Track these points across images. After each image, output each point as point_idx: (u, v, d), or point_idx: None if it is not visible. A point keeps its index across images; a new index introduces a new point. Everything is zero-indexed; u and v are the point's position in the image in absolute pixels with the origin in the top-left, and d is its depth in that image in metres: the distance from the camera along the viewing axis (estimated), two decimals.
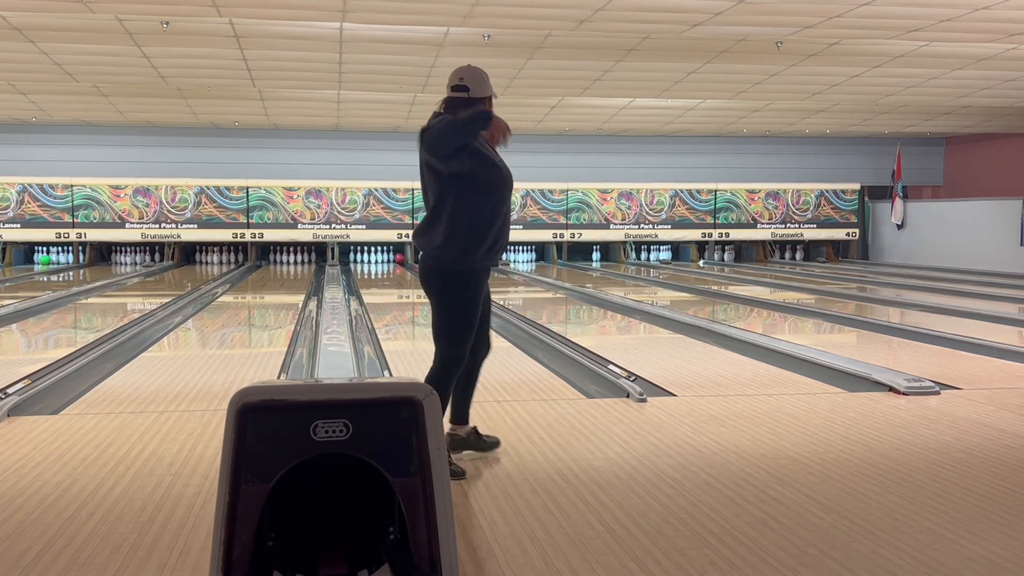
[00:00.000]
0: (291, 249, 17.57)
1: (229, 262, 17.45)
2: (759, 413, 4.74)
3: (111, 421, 4.52)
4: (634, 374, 5.67)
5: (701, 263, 18.37)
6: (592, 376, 5.79)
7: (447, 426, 3.82)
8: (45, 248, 17.00)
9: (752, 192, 18.58)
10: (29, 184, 16.42)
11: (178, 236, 16.98)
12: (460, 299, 3.63)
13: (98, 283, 13.05)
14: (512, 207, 19.08)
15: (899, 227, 18.22)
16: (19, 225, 16.45)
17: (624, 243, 18.45)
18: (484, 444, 3.88)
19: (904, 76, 11.77)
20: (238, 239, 17.16)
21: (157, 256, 17.35)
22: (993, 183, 17.55)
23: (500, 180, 3.64)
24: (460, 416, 3.88)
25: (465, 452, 3.89)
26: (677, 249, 19.08)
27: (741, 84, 12.26)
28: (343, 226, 17.28)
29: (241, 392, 2.04)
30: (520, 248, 18.16)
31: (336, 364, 6.33)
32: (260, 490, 2.00)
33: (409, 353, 6.85)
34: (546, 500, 3.33)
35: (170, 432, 4.31)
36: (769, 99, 13.61)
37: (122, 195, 16.72)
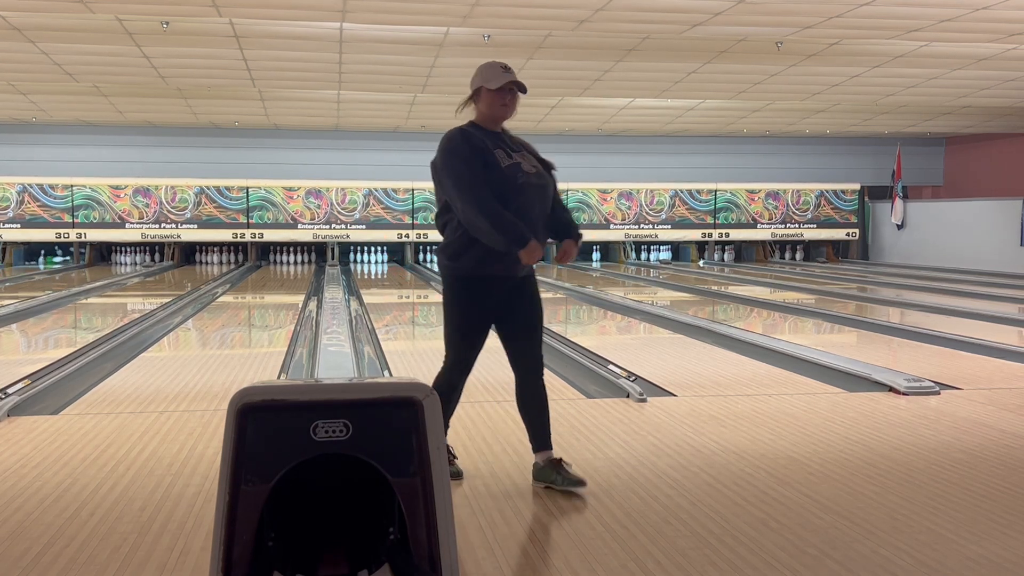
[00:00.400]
0: (291, 249, 17.56)
1: (229, 262, 17.45)
2: (759, 413, 4.74)
3: (111, 421, 4.52)
4: (634, 374, 5.67)
5: (701, 263, 18.37)
6: (592, 376, 5.79)
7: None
8: (54, 249, 17.08)
9: (752, 192, 18.58)
10: (29, 184, 16.42)
11: (178, 236, 16.98)
12: (457, 304, 3.48)
13: (98, 283, 13.05)
14: None
15: (899, 227, 18.22)
16: (19, 225, 16.46)
17: (624, 243, 18.46)
18: (560, 478, 3.42)
19: (904, 76, 11.77)
20: (238, 239, 17.16)
21: (157, 256, 17.35)
22: (993, 183, 17.54)
23: (504, 186, 3.34)
24: (536, 442, 3.53)
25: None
26: (677, 249, 19.08)
27: (741, 84, 12.26)
28: (343, 226, 17.29)
29: (241, 392, 2.04)
30: None
31: (336, 364, 6.33)
32: (260, 490, 2.00)
33: (409, 353, 6.85)
34: (546, 500, 3.33)
35: (170, 432, 4.31)
36: (769, 99, 13.61)
37: (122, 195, 16.72)
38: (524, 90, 3.47)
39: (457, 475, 3.51)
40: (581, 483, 3.41)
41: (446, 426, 3.46)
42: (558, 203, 3.65)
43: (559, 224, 3.65)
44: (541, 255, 3.38)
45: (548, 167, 3.57)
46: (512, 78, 3.43)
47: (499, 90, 3.42)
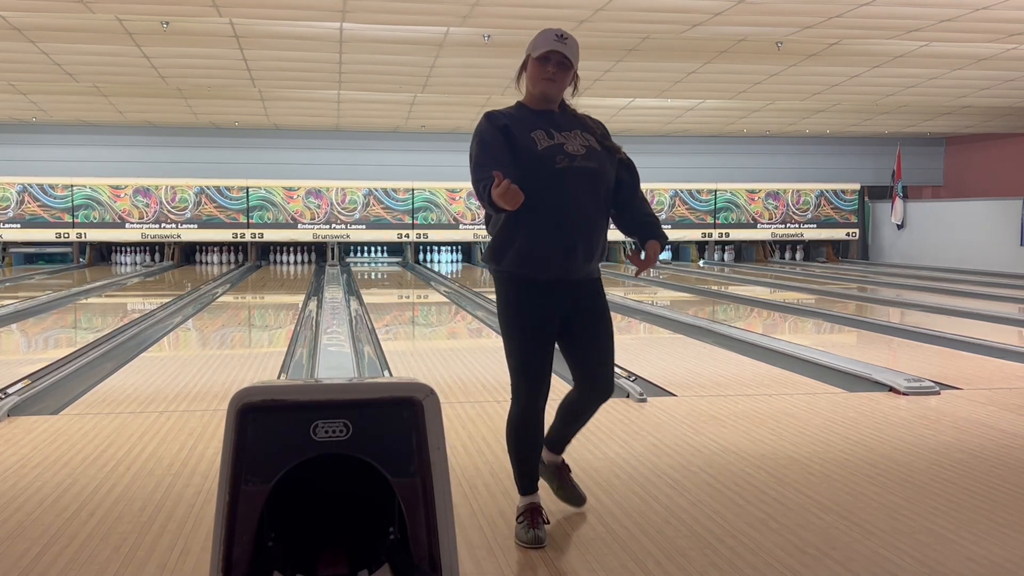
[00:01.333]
0: (291, 249, 17.57)
1: (229, 262, 17.46)
2: (759, 413, 4.74)
3: (111, 421, 4.52)
4: (634, 374, 5.67)
5: (701, 263, 18.37)
6: None
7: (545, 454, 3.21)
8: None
9: (752, 192, 18.58)
10: (29, 184, 16.42)
11: (178, 236, 16.98)
12: (504, 307, 2.98)
13: (98, 283, 13.05)
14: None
15: (899, 227, 18.23)
16: (19, 225, 16.46)
17: (624, 243, 18.44)
18: (560, 490, 3.21)
19: (904, 76, 11.77)
20: (238, 239, 17.16)
21: (157, 256, 17.35)
22: (993, 183, 17.55)
23: (538, 172, 2.86)
24: (551, 442, 3.21)
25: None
26: (677, 249, 19.07)
27: (741, 84, 12.26)
28: (343, 226, 17.29)
29: (241, 392, 2.04)
30: None
31: (336, 364, 6.33)
32: (260, 490, 2.00)
33: (409, 353, 6.85)
34: (546, 500, 3.32)
35: (170, 432, 4.31)
36: (769, 99, 13.61)
37: (122, 195, 16.72)
38: (568, 63, 2.92)
39: (539, 542, 2.90)
40: (579, 502, 3.21)
41: (532, 465, 3.03)
42: (636, 196, 3.14)
43: (637, 221, 3.11)
44: (518, 199, 2.64)
45: (612, 150, 3.04)
46: (558, 47, 2.89)
47: (540, 59, 2.91)
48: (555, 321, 2.94)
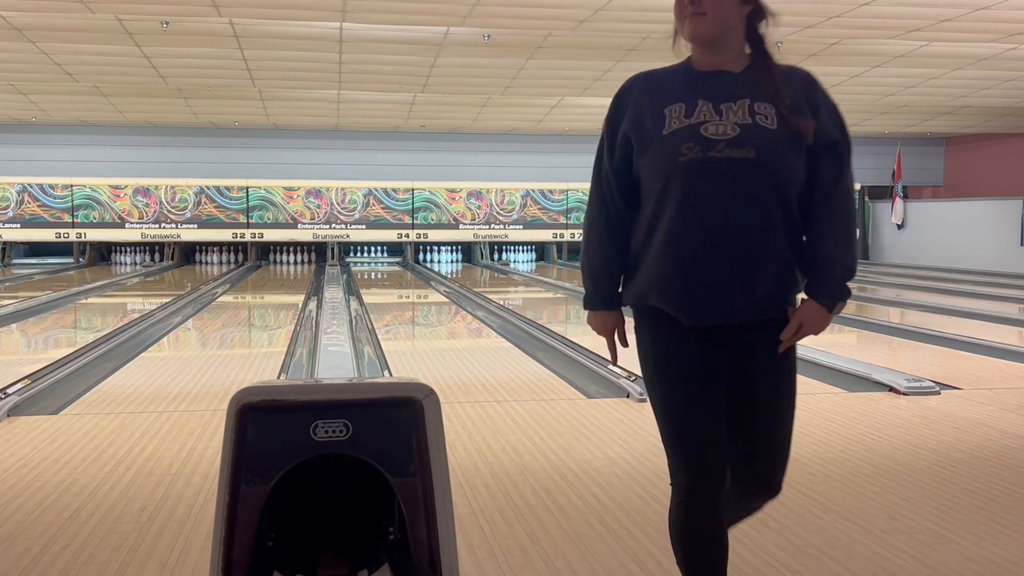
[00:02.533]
0: (291, 249, 17.58)
1: (229, 262, 17.46)
2: None
3: (111, 421, 4.52)
4: (634, 374, 5.65)
5: None
6: (592, 376, 5.79)
7: None
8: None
9: None
10: (29, 184, 16.43)
11: (178, 236, 16.99)
12: (638, 354, 2.13)
13: (98, 283, 13.05)
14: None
15: (899, 227, 18.23)
16: (19, 225, 16.46)
17: None
18: None
19: (904, 76, 11.77)
20: (238, 239, 17.17)
21: (157, 256, 17.36)
22: (993, 183, 17.55)
23: (658, 166, 2.02)
24: None
25: (461, 450, 3.82)
26: None
27: None
28: (343, 226, 17.29)
29: (241, 392, 2.04)
30: (520, 248, 18.18)
31: (336, 364, 6.33)
32: (260, 491, 2.00)
33: (409, 353, 6.85)
34: (546, 500, 3.32)
35: (170, 432, 4.31)
36: None
37: (122, 195, 16.73)
38: None
39: None
40: None
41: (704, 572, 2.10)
42: (827, 203, 2.02)
43: (809, 250, 2.06)
44: (612, 328, 2.17)
45: (798, 131, 1.96)
46: None
47: None
48: (713, 371, 2.05)
